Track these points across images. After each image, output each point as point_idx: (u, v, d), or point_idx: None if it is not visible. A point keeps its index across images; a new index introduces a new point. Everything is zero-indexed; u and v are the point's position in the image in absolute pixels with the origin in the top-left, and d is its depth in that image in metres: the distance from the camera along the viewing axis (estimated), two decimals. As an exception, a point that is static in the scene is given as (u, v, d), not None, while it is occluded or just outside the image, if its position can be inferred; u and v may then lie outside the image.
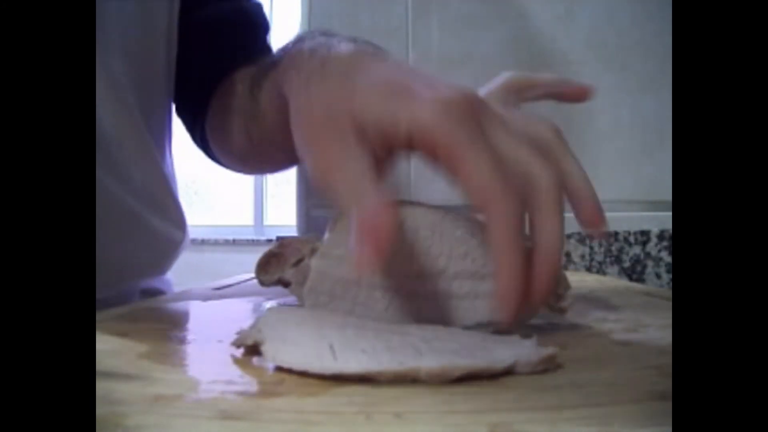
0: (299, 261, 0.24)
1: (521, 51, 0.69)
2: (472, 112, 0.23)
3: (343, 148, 0.24)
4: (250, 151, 0.46)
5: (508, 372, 0.18)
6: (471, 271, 0.24)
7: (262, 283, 0.25)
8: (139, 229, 0.45)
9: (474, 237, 0.24)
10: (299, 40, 0.33)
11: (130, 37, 0.41)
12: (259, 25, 0.51)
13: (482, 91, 0.40)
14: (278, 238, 0.28)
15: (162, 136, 0.49)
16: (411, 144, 0.23)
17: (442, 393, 0.17)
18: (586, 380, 0.18)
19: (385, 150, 0.24)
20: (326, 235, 0.24)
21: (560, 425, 0.14)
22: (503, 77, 0.41)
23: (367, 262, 0.20)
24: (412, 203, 0.26)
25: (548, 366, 0.19)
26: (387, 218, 0.21)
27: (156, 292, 0.52)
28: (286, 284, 0.25)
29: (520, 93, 0.40)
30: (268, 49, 0.51)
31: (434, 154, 0.23)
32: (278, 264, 0.25)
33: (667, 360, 0.20)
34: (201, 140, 0.52)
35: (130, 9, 0.40)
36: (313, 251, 0.24)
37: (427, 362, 0.17)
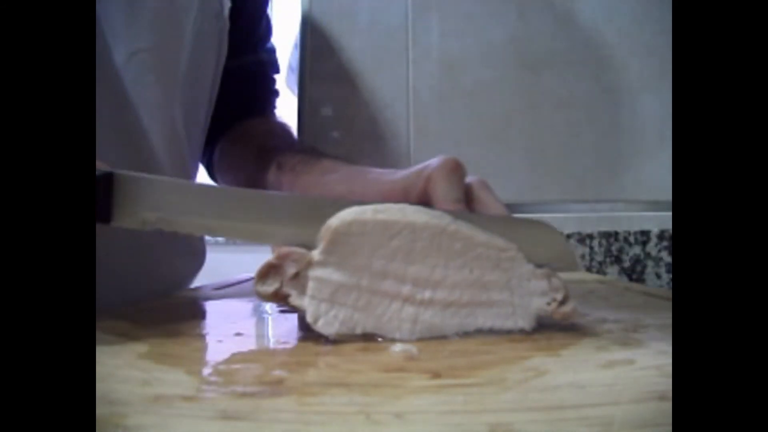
0: (296, 274, 0.25)
1: (521, 51, 0.69)
2: None
3: None
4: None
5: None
6: (471, 280, 0.25)
7: (259, 294, 0.25)
8: (162, 253, 0.48)
9: (472, 249, 0.25)
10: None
11: (186, 85, 0.48)
12: (270, 77, 0.64)
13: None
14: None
15: (195, 164, 0.56)
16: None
17: (442, 393, 0.17)
18: (586, 380, 0.18)
19: None
20: (320, 245, 0.24)
21: (560, 425, 0.14)
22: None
23: None
24: (416, 210, 0.26)
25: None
26: None
27: None
28: (284, 298, 0.25)
29: None
30: (276, 92, 0.64)
31: None
32: (276, 275, 0.25)
33: (667, 360, 0.20)
34: (206, 166, 0.62)
35: (185, 62, 0.48)
36: (309, 264, 0.24)
37: None
